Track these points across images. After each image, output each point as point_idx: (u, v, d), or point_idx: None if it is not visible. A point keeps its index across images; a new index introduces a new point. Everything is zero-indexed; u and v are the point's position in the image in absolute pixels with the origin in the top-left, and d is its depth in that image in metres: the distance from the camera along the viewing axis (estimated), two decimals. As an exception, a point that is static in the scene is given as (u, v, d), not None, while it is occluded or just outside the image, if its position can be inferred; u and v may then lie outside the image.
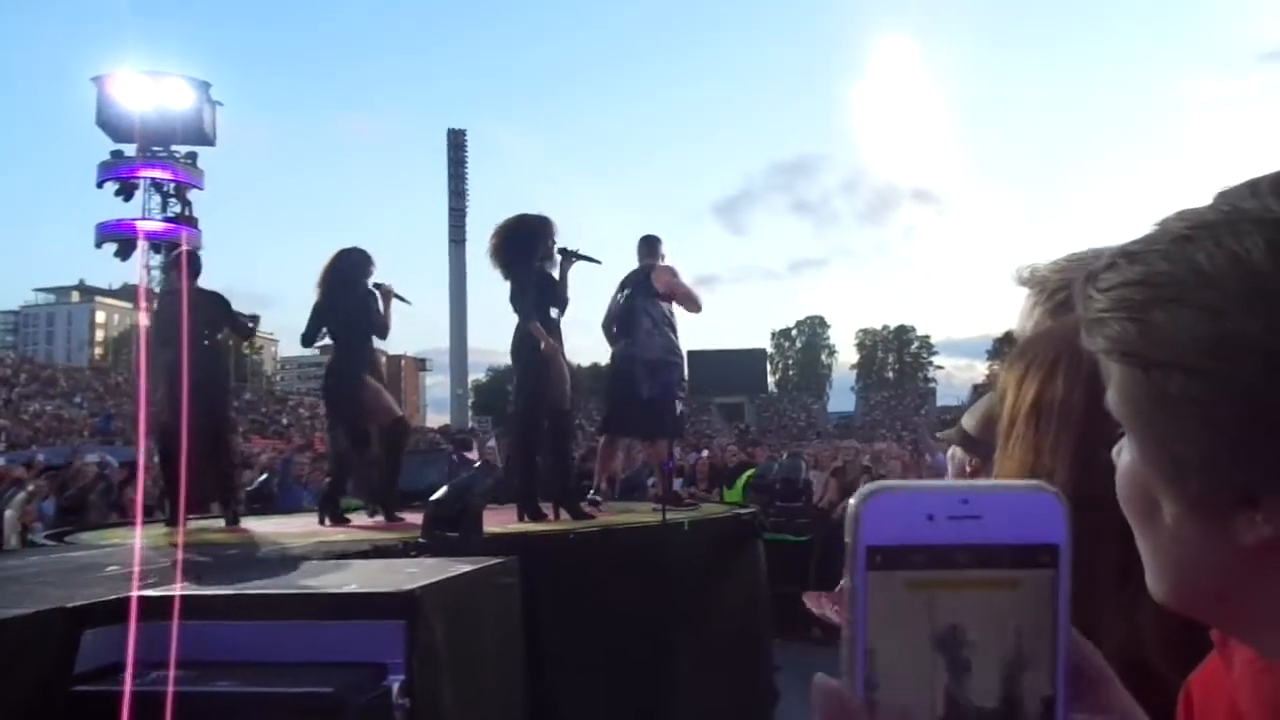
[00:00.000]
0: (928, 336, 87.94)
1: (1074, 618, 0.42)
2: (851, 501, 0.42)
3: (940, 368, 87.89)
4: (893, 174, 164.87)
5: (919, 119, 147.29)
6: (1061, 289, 1.15)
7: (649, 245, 6.50)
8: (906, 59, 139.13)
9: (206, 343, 5.66)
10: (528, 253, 5.60)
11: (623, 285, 6.39)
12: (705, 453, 13.07)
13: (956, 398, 66.76)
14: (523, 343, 5.57)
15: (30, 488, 8.04)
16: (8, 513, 4.73)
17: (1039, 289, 1.21)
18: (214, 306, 5.78)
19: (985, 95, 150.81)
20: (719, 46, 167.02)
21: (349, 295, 5.76)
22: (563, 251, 5.70)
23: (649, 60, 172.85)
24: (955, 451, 1.80)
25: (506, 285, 5.65)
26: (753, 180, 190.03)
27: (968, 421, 1.78)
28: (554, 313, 5.68)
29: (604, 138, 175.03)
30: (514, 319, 5.62)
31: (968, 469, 1.81)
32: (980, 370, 72.84)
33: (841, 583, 0.41)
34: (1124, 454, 0.54)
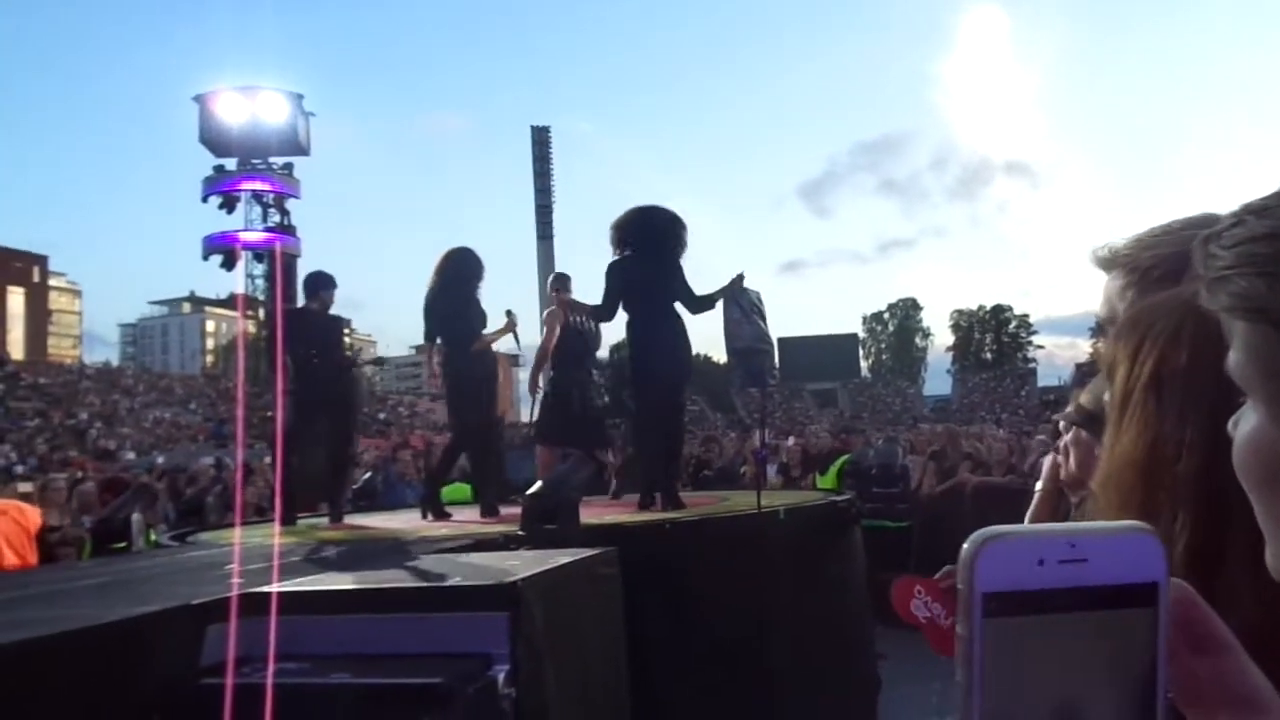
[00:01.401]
0: (1026, 315, 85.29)
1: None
2: (965, 547, 0.42)
3: (1040, 347, 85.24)
4: (984, 147, 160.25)
5: (1011, 90, 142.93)
6: (1157, 265, 1.10)
7: (560, 280, 6.76)
8: (997, 30, 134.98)
9: (333, 351, 5.93)
10: (656, 244, 5.67)
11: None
12: (791, 440, 12.93)
13: (1058, 378, 64.68)
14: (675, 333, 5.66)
15: (155, 491, 8.46)
16: (135, 516, 4.98)
17: (1129, 268, 1.16)
18: (323, 329, 6.05)
19: (1080, 63, 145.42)
20: (798, 27, 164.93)
21: (460, 294, 5.88)
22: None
23: (727, 45, 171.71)
24: (1076, 434, 1.74)
25: (601, 278, 5.73)
26: (837, 161, 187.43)
27: (1087, 399, 1.72)
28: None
29: (684, 126, 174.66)
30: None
31: (1096, 450, 1.74)
32: (1083, 348, 70.28)
33: (957, 628, 0.42)
34: (1244, 422, 0.52)
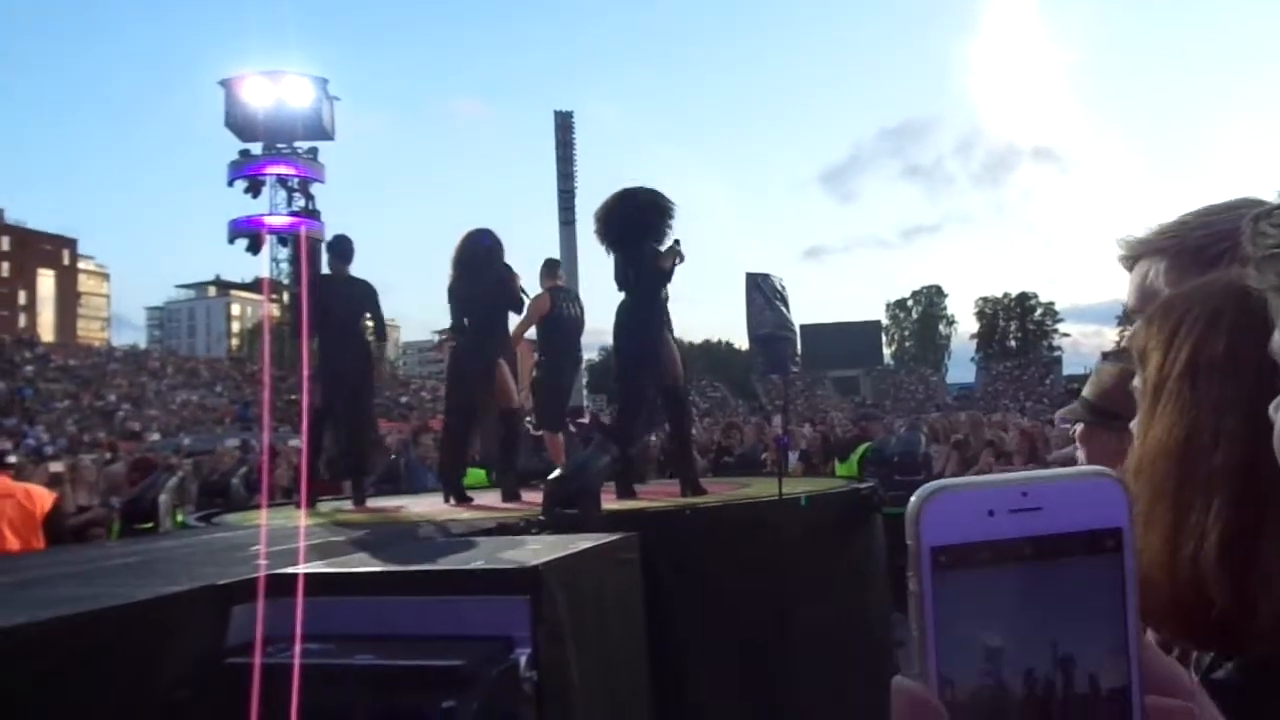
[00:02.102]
0: (1052, 303, 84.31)
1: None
2: (911, 501, 0.41)
3: (1066, 335, 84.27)
4: (1010, 132, 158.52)
5: (1039, 73, 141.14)
6: (1210, 244, 1.07)
7: (549, 267, 6.74)
8: (1025, 11, 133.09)
9: (356, 329, 5.93)
10: (636, 229, 5.63)
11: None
12: (807, 426, 12.90)
13: (1084, 366, 63.98)
14: (627, 320, 5.62)
15: (181, 473, 8.57)
16: (162, 497, 5.04)
17: (1174, 250, 1.14)
18: (365, 296, 6.03)
19: (1109, 45, 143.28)
20: (822, 11, 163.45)
21: (481, 277, 5.87)
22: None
23: (751, 30, 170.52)
24: (1083, 427, 1.72)
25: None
26: (860, 146, 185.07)
27: (1091, 392, 1.70)
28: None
29: (707, 111, 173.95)
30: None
31: (1089, 438, 1.72)
32: (1110, 336, 69.41)
33: (908, 584, 0.41)
34: None
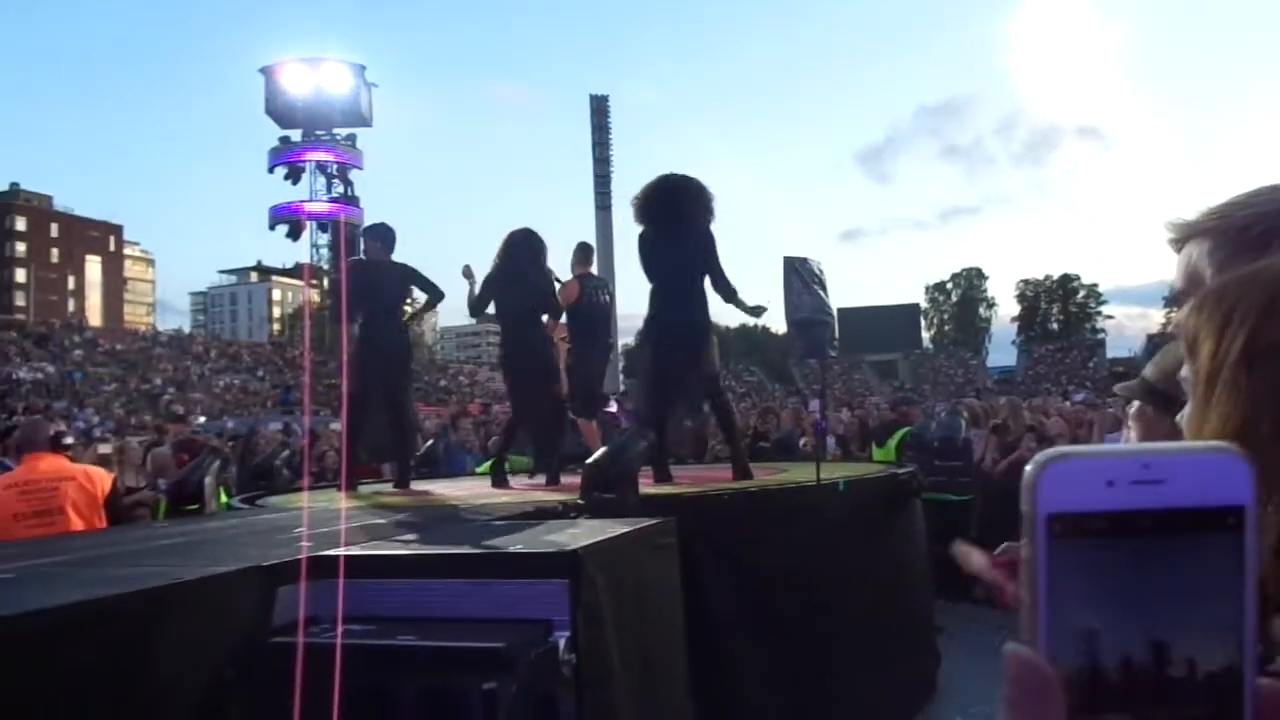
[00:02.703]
0: (1095, 285, 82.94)
1: None
2: (1028, 469, 0.41)
3: (1110, 317, 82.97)
4: (1052, 110, 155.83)
5: (1082, 50, 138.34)
6: (1255, 224, 1.05)
7: (582, 252, 6.70)
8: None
9: (396, 315, 5.99)
10: (673, 216, 5.62)
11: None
12: (844, 411, 12.81)
13: (1129, 349, 63.00)
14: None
15: (225, 456, 8.70)
16: (207, 479, 5.13)
17: (1219, 230, 1.11)
18: (408, 277, 6.08)
19: (1156, 21, 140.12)
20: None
21: (529, 274, 5.92)
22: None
23: (788, 8, 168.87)
24: (1140, 408, 1.69)
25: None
26: (898, 126, 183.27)
27: (1152, 373, 1.66)
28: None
29: (744, 92, 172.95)
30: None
31: (1143, 420, 1.68)
32: (1155, 319, 68.11)
33: (1021, 550, 0.40)
34: None
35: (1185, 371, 0.82)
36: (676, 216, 5.59)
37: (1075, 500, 0.40)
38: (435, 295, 6.22)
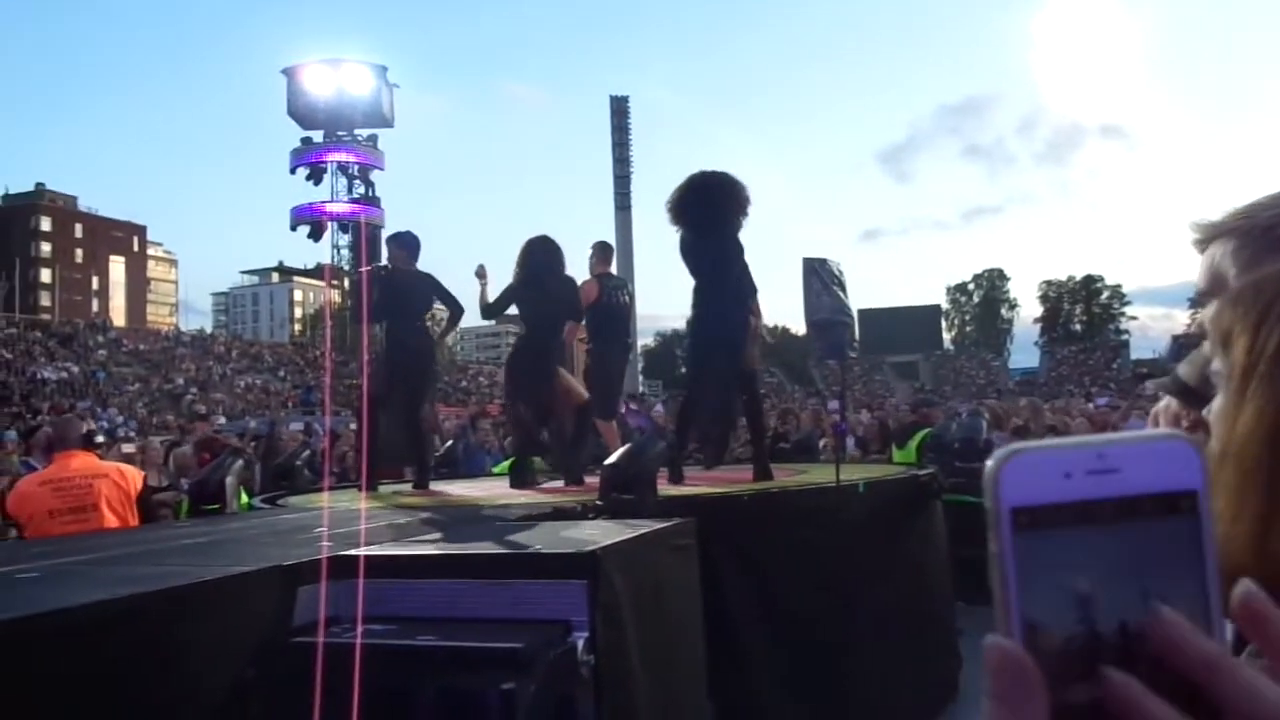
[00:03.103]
0: (1119, 285, 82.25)
1: None
2: (988, 464, 0.42)
3: (1134, 318, 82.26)
4: (1076, 109, 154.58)
5: (1106, 48, 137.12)
6: (1277, 225, 1.04)
7: (601, 250, 6.70)
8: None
9: (421, 323, 6.02)
10: (710, 214, 5.62)
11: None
12: (864, 412, 12.77)
13: (1153, 350, 62.53)
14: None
15: (247, 455, 8.77)
16: (228, 479, 5.17)
17: (1243, 230, 1.11)
18: (433, 288, 6.12)
19: (1181, 18, 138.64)
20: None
21: (547, 283, 5.92)
22: None
23: (806, 6, 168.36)
24: (1170, 403, 1.67)
25: (676, 250, 5.70)
26: (919, 126, 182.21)
27: (1185, 370, 1.64)
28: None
29: (762, 91, 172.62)
30: (681, 285, 5.68)
31: (1184, 423, 1.67)
32: (1180, 320, 67.61)
33: (989, 545, 0.41)
34: None
35: (1217, 365, 0.82)
36: (712, 214, 5.59)
37: (1036, 493, 0.41)
38: (456, 310, 6.28)
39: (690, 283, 5.69)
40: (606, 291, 6.51)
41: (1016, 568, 0.41)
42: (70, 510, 4.54)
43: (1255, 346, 0.76)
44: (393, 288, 5.96)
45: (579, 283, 6.26)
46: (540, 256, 5.97)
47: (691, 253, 5.62)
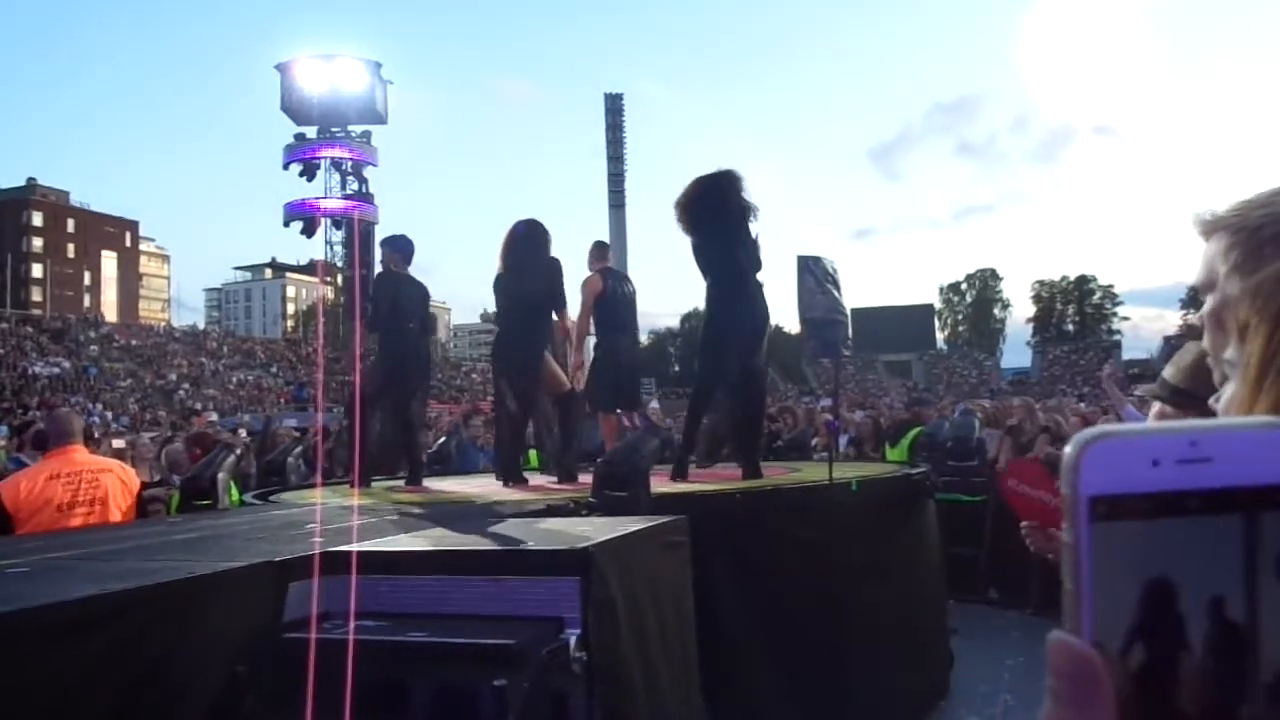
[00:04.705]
0: (1111, 286, 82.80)
1: None
2: (1068, 449, 0.39)
3: (1126, 319, 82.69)
4: (1068, 108, 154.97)
5: (1098, 46, 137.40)
6: (1266, 225, 1.06)
7: (599, 248, 6.70)
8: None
9: (412, 325, 6.01)
10: (715, 214, 5.62)
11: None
12: (858, 413, 12.79)
13: (1145, 350, 62.78)
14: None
15: (239, 451, 8.74)
16: (220, 474, 5.15)
17: (1235, 228, 1.11)
18: (420, 296, 6.13)
19: (1175, 16, 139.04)
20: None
21: (527, 268, 5.90)
22: None
23: (799, 4, 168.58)
24: (1162, 409, 1.68)
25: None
26: (910, 123, 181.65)
27: (1171, 373, 1.64)
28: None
29: (754, 88, 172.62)
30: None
31: (1164, 420, 1.68)
32: (1172, 320, 67.74)
33: (1062, 535, 0.39)
34: None
35: (1230, 354, 0.83)
36: (720, 215, 5.60)
37: (1118, 481, 0.38)
38: (429, 327, 6.40)
39: (694, 282, 5.72)
40: (610, 284, 6.50)
41: (1092, 560, 0.38)
42: (80, 503, 4.53)
43: (1274, 338, 0.77)
44: (392, 292, 5.97)
45: (563, 269, 6.18)
46: (526, 242, 5.94)
47: (702, 255, 5.64)
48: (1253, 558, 0.38)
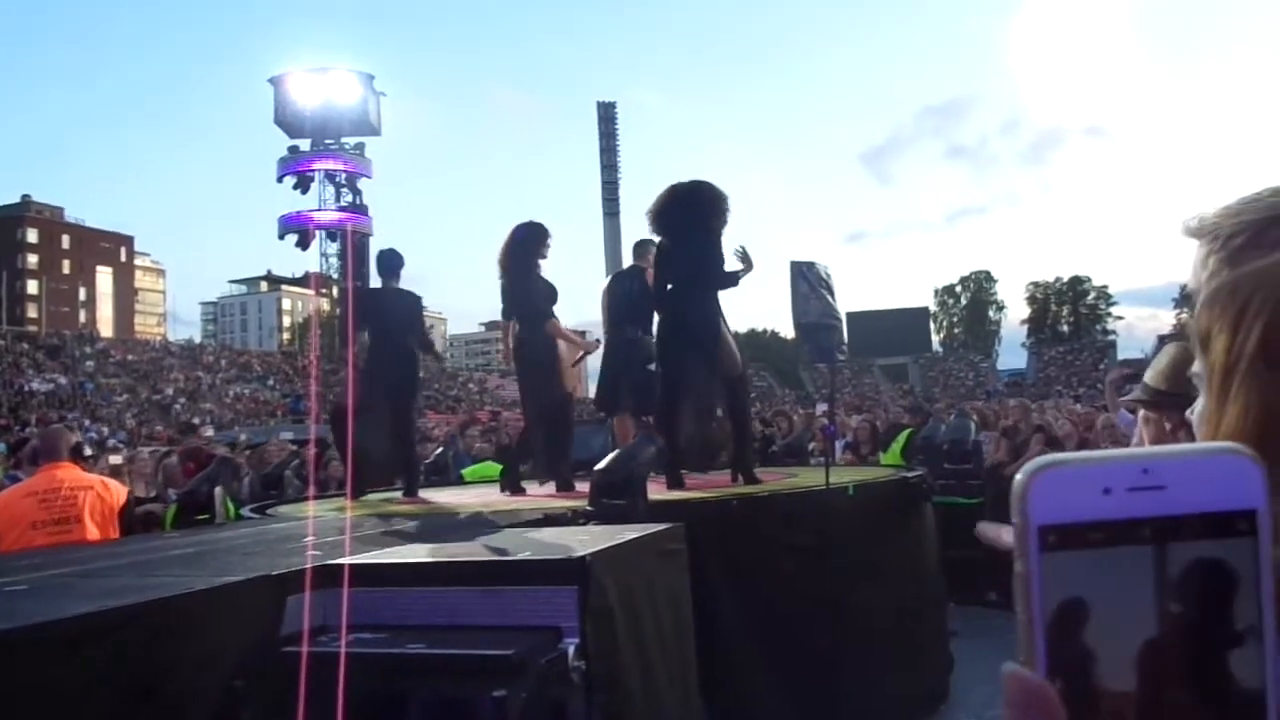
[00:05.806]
0: (1105, 286, 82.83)
1: None
2: (1017, 478, 0.39)
3: (1120, 319, 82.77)
4: (1060, 109, 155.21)
5: (1089, 47, 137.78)
6: (1237, 233, 1.07)
7: (642, 247, 6.55)
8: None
9: (405, 341, 6.01)
10: (688, 223, 5.61)
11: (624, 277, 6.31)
12: (855, 417, 12.82)
13: (1140, 350, 62.66)
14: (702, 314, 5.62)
15: (247, 473, 8.73)
16: (217, 489, 5.15)
17: (1211, 235, 1.13)
18: (412, 308, 6.12)
19: (1166, 17, 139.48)
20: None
21: (529, 271, 5.92)
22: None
23: (789, 9, 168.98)
24: (1145, 414, 1.69)
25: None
26: (901, 126, 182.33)
27: (1150, 376, 1.65)
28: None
29: (746, 93, 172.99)
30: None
31: (1167, 426, 1.68)
32: (1166, 320, 68.00)
33: (1014, 565, 0.39)
34: None
35: (1197, 367, 0.82)
36: (687, 222, 5.59)
37: (1069, 510, 0.38)
38: (425, 344, 6.39)
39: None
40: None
41: (1042, 591, 0.38)
42: (54, 522, 4.51)
43: (1234, 346, 0.76)
44: (380, 307, 5.97)
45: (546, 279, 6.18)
46: (524, 246, 5.95)
47: (667, 262, 5.62)
48: (1210, 586, 0.37)
